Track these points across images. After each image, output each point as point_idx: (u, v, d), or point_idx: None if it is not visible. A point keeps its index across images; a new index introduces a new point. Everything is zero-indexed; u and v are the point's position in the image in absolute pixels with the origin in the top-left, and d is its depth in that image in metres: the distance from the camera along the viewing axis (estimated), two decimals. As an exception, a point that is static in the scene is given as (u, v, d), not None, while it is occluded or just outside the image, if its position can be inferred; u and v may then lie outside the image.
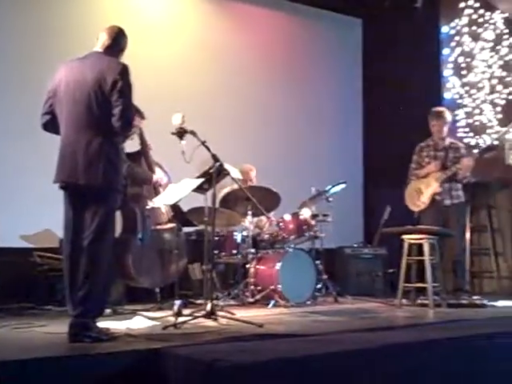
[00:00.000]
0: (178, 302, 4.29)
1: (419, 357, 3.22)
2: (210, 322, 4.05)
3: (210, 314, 4.06)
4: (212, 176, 4.24)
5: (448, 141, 5.97)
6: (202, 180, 4.34)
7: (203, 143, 4.07)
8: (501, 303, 5.70)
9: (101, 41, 3.65)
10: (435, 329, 4.07)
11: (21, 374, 2.70)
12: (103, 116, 3.44)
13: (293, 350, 3.06)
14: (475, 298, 5.64)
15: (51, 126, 3.64)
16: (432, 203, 5.79)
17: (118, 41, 3.67)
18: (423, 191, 5.84)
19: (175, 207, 5.00)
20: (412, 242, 5.40)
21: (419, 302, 5.46)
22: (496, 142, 6.89)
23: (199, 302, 4.97)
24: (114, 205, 3.58)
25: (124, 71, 3.47)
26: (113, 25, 3.72)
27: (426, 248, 5.27)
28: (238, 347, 3.19)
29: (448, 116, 5.97)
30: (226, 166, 4.35)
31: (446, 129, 5.94)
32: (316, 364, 2.90)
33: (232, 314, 4.34)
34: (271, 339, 3.44)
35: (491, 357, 3.46)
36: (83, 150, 3.42)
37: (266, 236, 5.94)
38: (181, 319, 3.99)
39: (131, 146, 4.82)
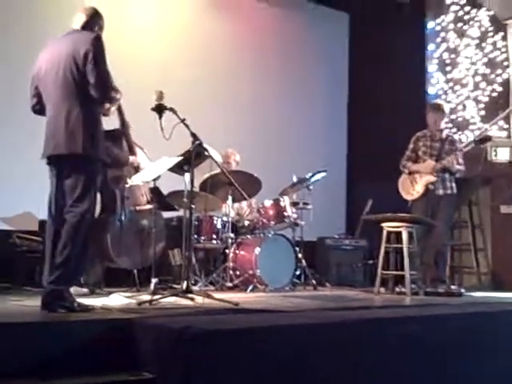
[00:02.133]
0: (154, 281, 4.29)
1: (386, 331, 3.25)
2: (185, 301, 4.01)
3: (186, 292, 4.04)
4: (191, 156, 4.24)
5: (445, 133, 6.06)
6: (180, 158, 4.32)
7: (183, 121, 4.05)
8: (478, 294, 5.74)
9: (78, 20, 3.73)
10: (411, 309, 4.10)
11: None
12: (80, 87, 3.51)
13: (266, 321, 3.08)
14: (453, 287, 5.68)
15: (38, 107, 3.71)
16: (425, 192, 5.81)
17: (94, 19, 3.76)
18: (417, 180, 5.86)
19: (155, 190, 4.97)
20: (391, 229, 5.42)
21: (397, 290, 5.48)
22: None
23: (178, 286, 4.95)
24: (95, 175, 3.60)
25: (96, 40, 3.54)
26: (88, 5, 3.82)
27: (405, 236, 5.29)
28: (211, 319, 3.20)
29: (446, 109, 6.13)
30: (206, 146, 4.33)
31: (443, 121, 6.07)
32: (287, 334, 2.91)
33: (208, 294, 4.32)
34: (245, 313, 3.46)
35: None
36: (64, 122, 3.49)
37: (247, 223, 5.95)
38: (157, 297, 3.98)
39: (110, 124, 4.78)
